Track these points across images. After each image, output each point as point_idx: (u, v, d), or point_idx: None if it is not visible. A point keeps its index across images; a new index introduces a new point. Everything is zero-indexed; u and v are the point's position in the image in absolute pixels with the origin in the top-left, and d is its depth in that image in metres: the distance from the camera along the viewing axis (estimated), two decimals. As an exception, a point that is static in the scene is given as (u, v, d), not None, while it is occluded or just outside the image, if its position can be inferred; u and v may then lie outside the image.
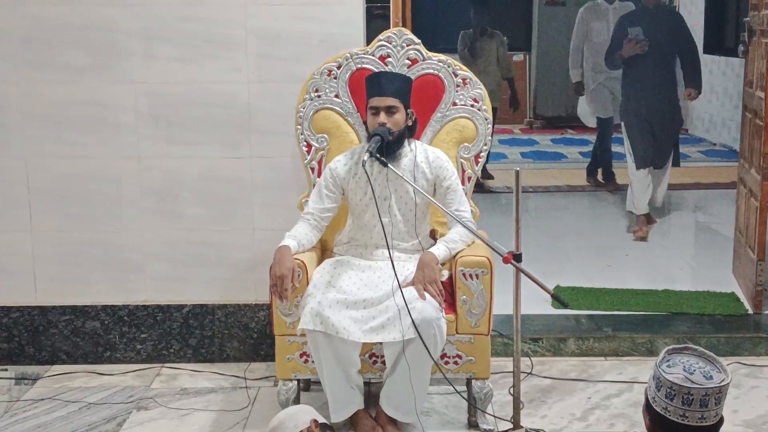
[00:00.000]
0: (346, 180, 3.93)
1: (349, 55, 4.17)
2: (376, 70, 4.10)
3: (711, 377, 2.37)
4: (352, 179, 3.92)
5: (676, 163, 7.27)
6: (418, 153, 3.91)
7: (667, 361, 2.44)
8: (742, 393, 4.22)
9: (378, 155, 3.69)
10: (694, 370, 2.38)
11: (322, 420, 3.18)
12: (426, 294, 3.63)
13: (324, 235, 4.04)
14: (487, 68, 8.43)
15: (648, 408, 2.46)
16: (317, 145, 4.20)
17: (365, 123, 3.93)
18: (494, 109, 7.97)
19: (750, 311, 4.98)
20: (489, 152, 7.84)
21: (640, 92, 6.69)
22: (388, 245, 3.72)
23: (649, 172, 6.72)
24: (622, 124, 6.92)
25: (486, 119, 4.16)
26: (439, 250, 3.79)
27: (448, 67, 4.16)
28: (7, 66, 4.45)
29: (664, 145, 6.84)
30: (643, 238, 6.53)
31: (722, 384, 2.36)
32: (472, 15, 8.54)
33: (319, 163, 4.19)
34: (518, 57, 12.75)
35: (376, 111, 3.81)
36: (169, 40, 4.43)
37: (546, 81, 12.73)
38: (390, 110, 3.80)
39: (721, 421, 2.40)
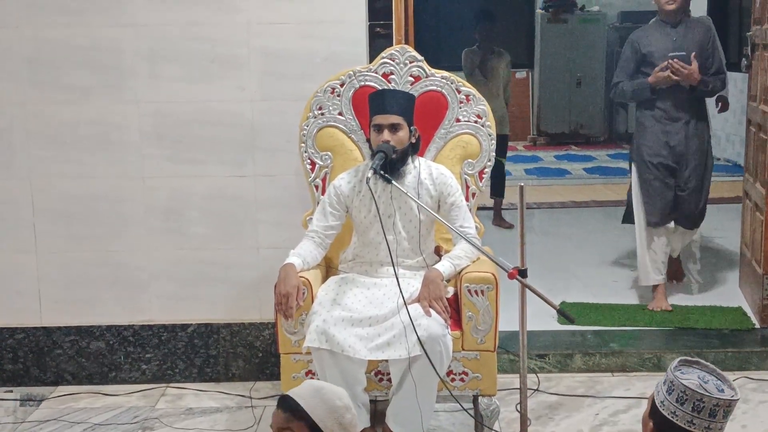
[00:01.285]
0: (350, 198, 3.92)
1: (352, 72, 4.18)
2: (380, 88, 4.10)
3: (723, 390, 2.38)
4: (356, 197, 3.91)
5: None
6: (422, 170, 3.91)
7: (681, 368, 2.45)
8: (750, 408, 4.20)
9: (382, 172, 3.69)
10: (708, 380, 2.41)
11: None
12: (431, 311, 3.62)
13: (329, 252, 4.03)
14: (497, 90, 7.56)
15: (653, 414, 2.47)
16: (321, 163, 4.20)
17: (368, 140, 3.93)
18: (504, 136, 7.28)
19: (757, 325, 4.96)
20: (506, 173, 7.81)
21: (661, 128, 5.28)
22: (393, 262, 3.71)
23: (666, 232, 5.38)
24: (632, 167, 5.50)
25: (490, 135, 4.16)
26: (444, 266, 3.78)
27: (451, 83, 4.16)
28: (13, 86, 4.46)
29: (693, 198, 5.34)
30: (668, 310, 5.26)
31: (733, 398, 2.37)
32: (479, 32, 7.77)
33: (323, 180, 4.19)
34: (521, 74, 12.78)
35: (380, 129, 3.81)
36: (174, 60, 4.45)
37: (549, 98, 12.76)
38: (393, 128, 3.80)
39: None
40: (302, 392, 2.61)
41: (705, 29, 5.36)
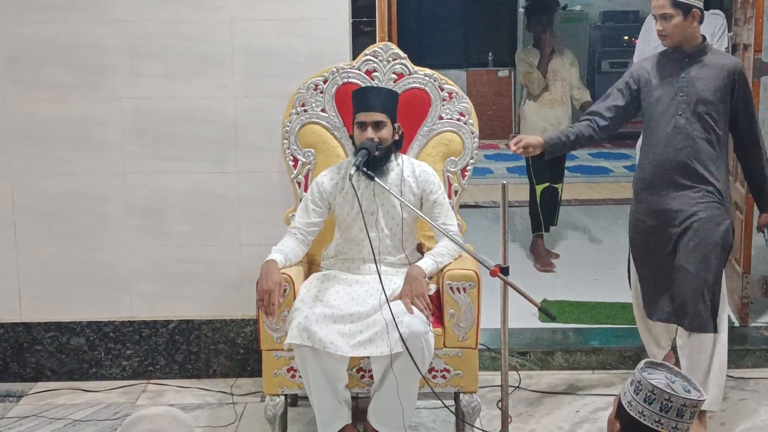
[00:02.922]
0: (332, 194, 3.92)
1: (335, 69, 4.18)
2: (363, 85, 4.10)
3: (689, 391, 2.40)
4: (338, 194, 3.92)
5: None
6: (405, 167, 3.91)
7: (647, 369, 2.47)
8: (730, 405, 4.22)
9: (365, 169, 3.69)
10: (675, 381, 2.43)
11: None
12: (413, 308, 3.63)
13: (311, 249, 4.03)
14: (562, 96, 6.27)
15: (619, 415, 2.48)
16: (304, 160, 4.20)
17: (351, 137, 3.94)
18: (559, 157, 5.56)
19: (736, 324, 4.99)
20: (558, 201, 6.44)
21: (655, 202, 3.99)
22: (375, 259, 3.72)
23: (669, 330, 4.20)
24: (630, 242, 4.20)
25: (472, 133, 4.17)
26: (426, 263, 3.79)
27: (434, 81, 4.17)
28: (-8, 83, 4.44)
29: (695, 294, 3.87)
30: None
31: (700, 399, 2.40)
32: (532, 27, 6.37)
33: (306, 177, 4.19)
34: (503, 73, 12.80)
35: (364, 126, 3.81)
36: (156, 57, 4.43)
37: (531, 97, 12.77)
38: (377, 125, 3.81)
39: None
40: (161, 428, 2.25)
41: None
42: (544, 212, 6.37)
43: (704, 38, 3.95)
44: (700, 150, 3.86)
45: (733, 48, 5.23)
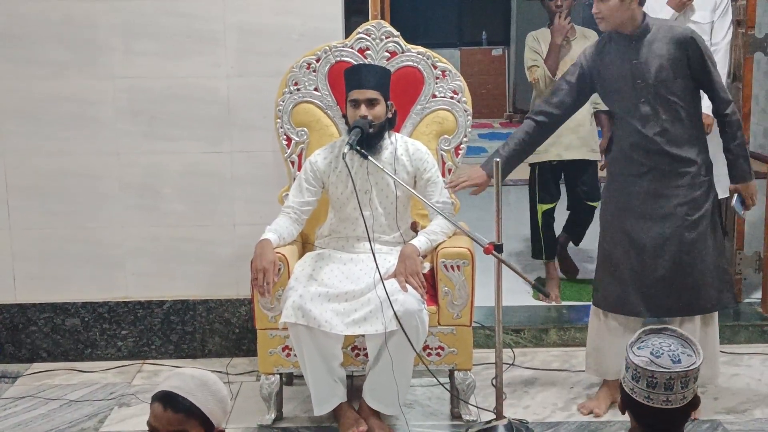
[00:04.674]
0: (326, 173, 3.92)
1: (328, 48, 4.17)
2: (356, 63, 4.09)
3: (679, 360, 2.38)
4: (332, 173, 3.91)
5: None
6: (399, 145, 3.91)
7: (641, 341, 2.47)
8: (723, 381, 4.23)
9: (358, 147, 3.69)
10: (662, 353, 2.40)
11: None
12: (407, 286, 3.64)
13: (305, 228, 4.03)
14: None
15: (620, 386, 2.51)
16: (297, 139, 4.19)
17: (344, 116, 3.93)
18: (589, 163, 5.14)
19: (730, 300, 5.00)
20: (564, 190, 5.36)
21: (630, 187, 3.82)
22: (369, 238, 3.72)
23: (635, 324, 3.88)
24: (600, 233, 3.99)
25: (466, 111, 4.17)
26: (421, 241, 3.79)
27: (427, 59, 4.16)
28: (-16, 62, 4.42)
29: (687, 282, 3.80)
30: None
31: (689, 368, 2.38)
32: (547, 7, 5.06)
33: (299, 156, 4.19)
34: (497, 52, 12.77)
35: (357, 104, 3.80)
36: (150, 36, 4.41)
37: (525, 75, 12.66)
38: (371, 103, 3.80)
39: (692, 403, 2.42)
40: (188, 387, 2.43)
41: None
42: (574, 232, 5.55)
43: (645, 15, 3.69)
44: (673, 133, 3.68)
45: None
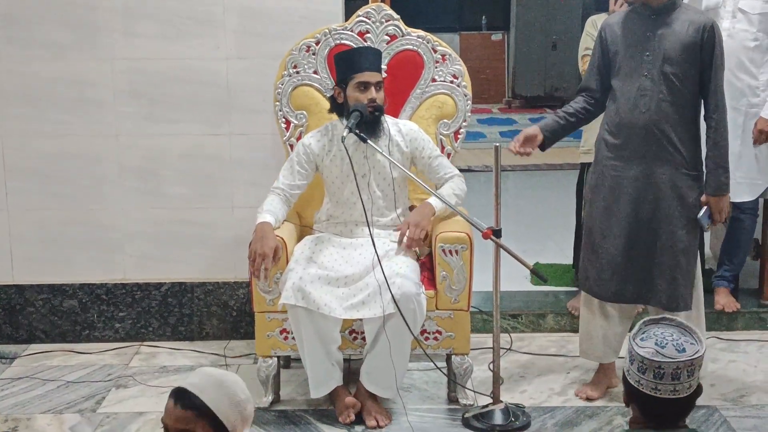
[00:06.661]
0: (320, 156, 3.91)
1: (327, 30, 4.15)
2: (355, 46, 4.08)
3: (684, 350, 2.37)
4: (326, 156, 3.90)
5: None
6: (391, 127, 3.90)
7: (643, 332, 2.45)
8: (720, 367, 4.25)
9: (357, 131, 3.68)
10: (666, 343, 2.38)
11: None
12: (404, 270, 3.63)
13: (303, 212, 4.03)
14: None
15: (624, 381, 2.49)
16: (296, 122, 4.19)
17: (331, 98, 3.90)
18: None
19: (727, 287, 5.00)
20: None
21: (624, 168, 3.76)
22: (368, 222, 3.72)
23: (621, 311, 3.93)
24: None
25: (465, 95, 4.16)
26: (435, 201, 3.83)
27: (427, 43, 4.15)
28: (-16, 43, 4.41)
29: (669, 267, 3.75)
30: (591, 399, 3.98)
31: (695, 356, 2.36)
32: None
33: (298, 139, 4.18)
34: (497, 36, 12.75)
35: (366, 86, 3.78)
36: (150, 17, 4.40)
37: (524, 60, 12.71)
38: (378, 86, 3.80)
39: (697, 392, 2.42)
40: (202, 385, 2.36)
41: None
42: None
43: None
44: (665, 114, 3.63)
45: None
